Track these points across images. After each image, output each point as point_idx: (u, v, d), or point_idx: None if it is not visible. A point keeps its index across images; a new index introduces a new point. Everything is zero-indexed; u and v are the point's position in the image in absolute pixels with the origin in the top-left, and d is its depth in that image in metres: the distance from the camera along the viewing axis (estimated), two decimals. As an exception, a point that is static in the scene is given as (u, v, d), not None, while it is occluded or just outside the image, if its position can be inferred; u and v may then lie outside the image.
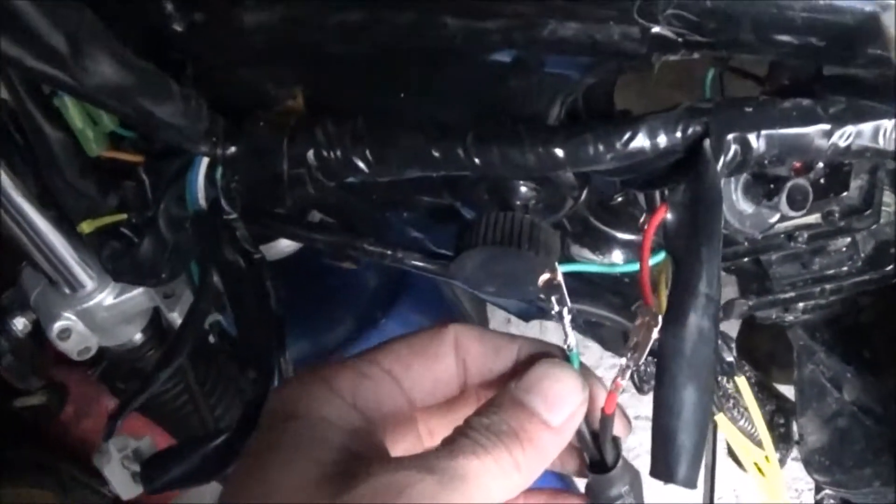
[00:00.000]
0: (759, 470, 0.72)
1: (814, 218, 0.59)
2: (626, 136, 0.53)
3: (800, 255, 0.63)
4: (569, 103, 0.57)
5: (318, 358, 0.77)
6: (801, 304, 0.65)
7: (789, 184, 0.54)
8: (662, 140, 0.53)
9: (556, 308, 0.52)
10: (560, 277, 0.52)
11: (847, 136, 0.52)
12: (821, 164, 0.59)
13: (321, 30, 0.57)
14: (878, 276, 0.63)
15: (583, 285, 0.60)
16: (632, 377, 0.72)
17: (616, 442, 0.55)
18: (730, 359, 0.64)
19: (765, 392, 0.75)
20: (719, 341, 0.64)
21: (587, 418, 0.53)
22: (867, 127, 0.52)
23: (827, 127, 0.52)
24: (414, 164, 0.56)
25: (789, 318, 0.66)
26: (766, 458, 0.66)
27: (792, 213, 0.54)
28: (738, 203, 0.56)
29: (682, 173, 0.53)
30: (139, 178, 0.62)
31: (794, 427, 0.73)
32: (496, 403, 0.48)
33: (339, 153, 0.56)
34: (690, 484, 0.51)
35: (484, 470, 0.44)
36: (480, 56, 0.57)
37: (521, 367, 0.50)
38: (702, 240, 0.51)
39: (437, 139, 0.55)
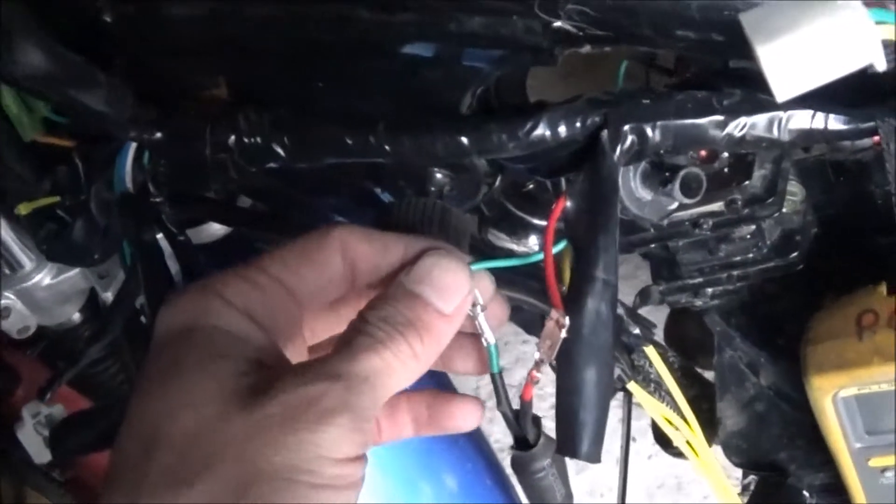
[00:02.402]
0: (692, 448, 0.74)
1: (718, 206, 0.61)
2: (529, 125, 0.55)
3: (706, 242, 0.65)
4: (480, 94, 0.59)
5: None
6: (709, 290, 0.67)
7: (683, 172, 0.56)
8: (563, 130, 0.55)
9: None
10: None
11: (741, 126, 0.54)
12: (725, 155, 0.61)
13: (244, 23, 0.59)
14: (783, 263, 0.65)
15: (502, 271, 0.62)
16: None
17: (536, 421, 0.57)
18: (636, 331, 0.67)
19: (689, 377, 0.77)
20: (625, 316, 0.66)
21: (508, 401, 0.55)
22: (761, 118, 0.54)
23: (721, 118, 0.54)
24: (329, 152, 0.58)
25: (698, 303, 0.68)
26: (691, 427, 0.68)
27: (686, 200, 0.56)
28: (636, 190, 0.58)
29: (582, 162, 0.55)
30: (73, 163, 0.64)
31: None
32: (389, 296, 0.47)
33: (258, 139, 0.59)
34: (593, 458, 0.54)
35: (385, 366, 0.44)
36: (397, 49, 0.59)
37: (410, 263, 0.49)
38: (598, 227, 0.53)
39: (351, 128, 0.57)
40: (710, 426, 0.75)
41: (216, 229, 0.71)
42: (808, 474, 0.73)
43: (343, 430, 0.41)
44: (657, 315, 0.85)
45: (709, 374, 0.79)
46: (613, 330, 0.53)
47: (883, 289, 0.60)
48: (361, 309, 0.47)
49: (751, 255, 0.65)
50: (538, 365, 0.53)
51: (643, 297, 0.70)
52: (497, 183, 0.63)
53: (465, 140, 0.55)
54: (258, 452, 0.40)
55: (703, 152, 0.61)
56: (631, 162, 0.55)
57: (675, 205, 0.59)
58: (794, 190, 0.63)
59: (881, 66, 0.41)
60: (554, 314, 0.52)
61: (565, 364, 0.53)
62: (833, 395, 0.61)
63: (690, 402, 0.76)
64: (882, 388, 0.60)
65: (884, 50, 0.44)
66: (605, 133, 0.54)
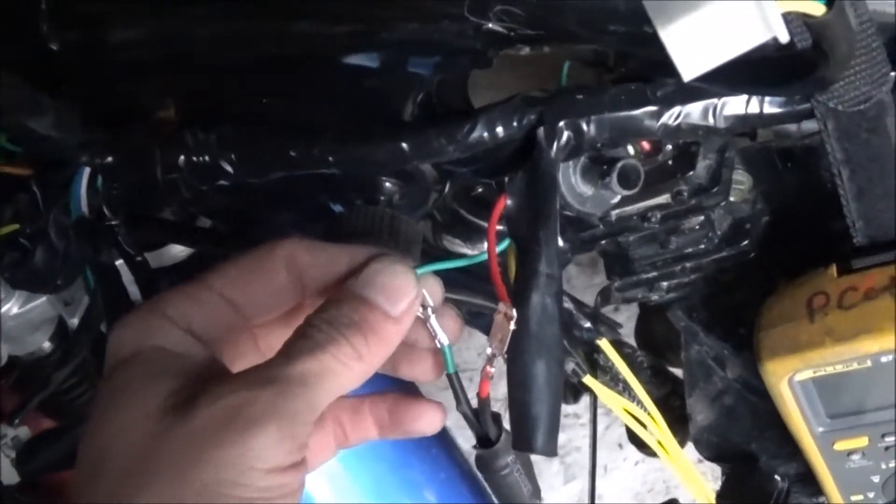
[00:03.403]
0: (663, 447, 0.74)
1: (664, 198, 0.62)
2: (467, 128, 0.56)
3: (656, 236, 0.65)
4: (422, 101, 0.60)
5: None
6: (664, 284, 0.68)
7: (620, 164, 0.57)
8: (500, 130, 0.56)
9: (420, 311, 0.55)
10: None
11: (676, 116, 0.55)
12: (669, 147, 0.62)
13: (187, 43, 0.60)
14: (734, 253, 0.65)
15: (460, 276, 0.63)
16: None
17: (496, 417, 0.58)
18: (587, 325, 0.67)
19: (659, 376, 0.77)
20: (574, 310, 0.67)
21: (467, 400, 0.56)
22: (695, 106, 0.55)
23: (655, 108, 0.55)
24: (275, 165, 0.59)
25: (654, 297, 0.68)
26: (655, 421, 0.68)
27: (625, 192, 0.57)
28: (577, 186, 0.59)
29: (522, 161, 0.56)
30: (31, 190, 0.66)
31: (690, 408, 0.76)
32: (335, 300, 0.48)
33: (206, 157, 0.59)
34: (549, 452, 0.54)
35: (324, 368, 0.44)
36: (341, 60, 0.60)
37: (357, 270, 0.49)
38: (539, 223, 0.54)
39: (295, 140, 0.58)
40: (681, 422, 0.76)
41: (178, 251, 0.72)
42: (780, 464, 0.73)
43: (271, 439, 0.41)
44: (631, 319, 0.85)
45: (680, 372, 0.79)
46: (560, 323, 0.54)
47: (833, 271, 0.60)
48: (309, 314, 0.48)
49: (702, 246, 0.65)
50: (490, 360, 0.53)
51: (604, 296, 0.70)
52: (447, 189, 0.63)
53: (405, 146, 0.56)
54: (188, 469, 0.40)
55: (647, 145, 0.62)
56: (569, 157, 0.56)
57: (616, 198, 0.60)
58: (742, 179, 0.63)
59: (783, 38, 0.42)
60: (501, 307, 0.53)
61: (515, 360, 0.54)
62: (789, 380, 0.61)
63: (662, 400, 0.76)
64: (838, 370, 0.60)
65: (800, 27, 0.45)
66: (541, 130, 0.55)
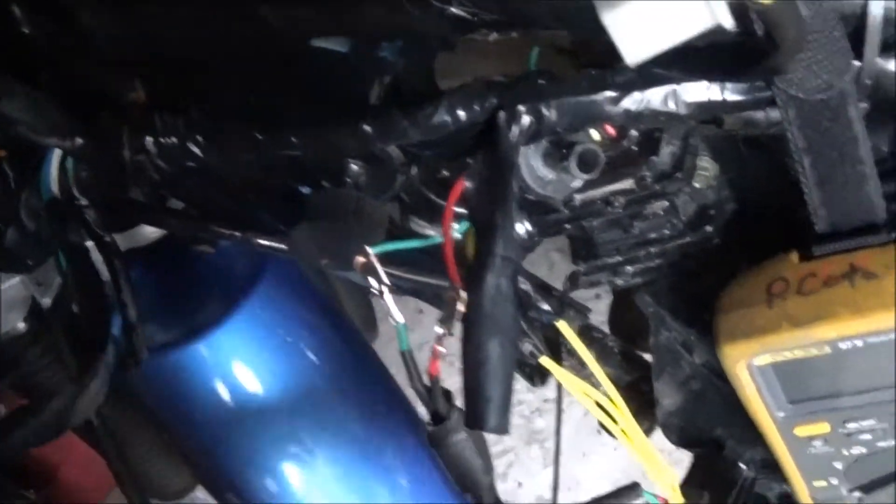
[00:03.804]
0: (625, 434, 0.74)
1: (628, 183, 0.63)
2: (429, 111, 0.56)
3: (620, 220, 0.66)
4: (388, 84, 0.60)
5: (185, 340, 0.81)
6: (629, 268, 0.68)
7: (579, 148, 0.57)
8: (462, 114, 0.56)
9: (376, 287, 0.55)
10: (374, 258, 0.56)
11: (636, 101, 0.55)
12: (635, 133, 0.62)
13: (154, 28, 0.61)
14: (698, 238, 0.66)
15: (422, 257, 0.63)
16: (526, 372, 0.76)
17: (447, 395, 0.58)
18: (546, 307, 0.67)
19: (630, 361, 0.77)
20: (532, 292, 0.67)
21: (420, 378, 0.57)
22: (656, 92, 0.55)
23: (615, 94, 0.55)
24: (242, 148, 0.60)
25: (619, 281, 0.69)
26: (616, 405, 0.69)
27: (584, 176, 0.57)
28: (538, 170, 0.60)
29: (483, 144, 0.56)
30: (3, 172, 0.66)
31: (660, 393, 0.76)
32: None
33: (174, 139, 0.60)
34: (501, 430, 0.55)
35: None
36: (308, 44, 0.60)
37: None
38: (496, 206, 0.54)
39: (261, 123, 0.59)
40: (650, 406, 0.76)
41: (150, 232, 0.73)
42: (746, 450, 0.73)
43: None
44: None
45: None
46: (515, 304, 0.54)
47: (794, 256, 0.61)
48: None
49: (666, 231, 0.66)
50: (440, 339, 0.54)
51: (572, 280, 0.70)
52: (414, 171, 0.64)
53: (368, 129, 0.57)
54: None
55: (612, 131, 0.62)
56: (530, 141, 0.57)
57: (578, 183, 0.60)
58: (706, 165, 0.64)
59: (728, 25, 0.42)
60: (452, 287, 0.54)
61: (469, 339, 0.54)
62: (747, 364, 0.61)
63: (633, 385, 0.77)
64: (798, 356, 0.60)
65: (748, 13, 0.45)
66: (501, 114, 0.55)
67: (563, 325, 0.65)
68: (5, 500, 0.96)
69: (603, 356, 0.76)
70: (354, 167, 0.63)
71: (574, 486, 1.88)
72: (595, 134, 0.62)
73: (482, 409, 0.54)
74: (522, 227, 0.67)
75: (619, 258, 0.67)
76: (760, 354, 0.61)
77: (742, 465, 0.74)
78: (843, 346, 0.60)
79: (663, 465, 0.70)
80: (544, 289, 0.72)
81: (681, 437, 0.76)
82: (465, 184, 0.55)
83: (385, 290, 0.54)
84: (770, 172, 0.64)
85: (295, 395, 0.84)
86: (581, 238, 0.67)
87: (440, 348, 0.54)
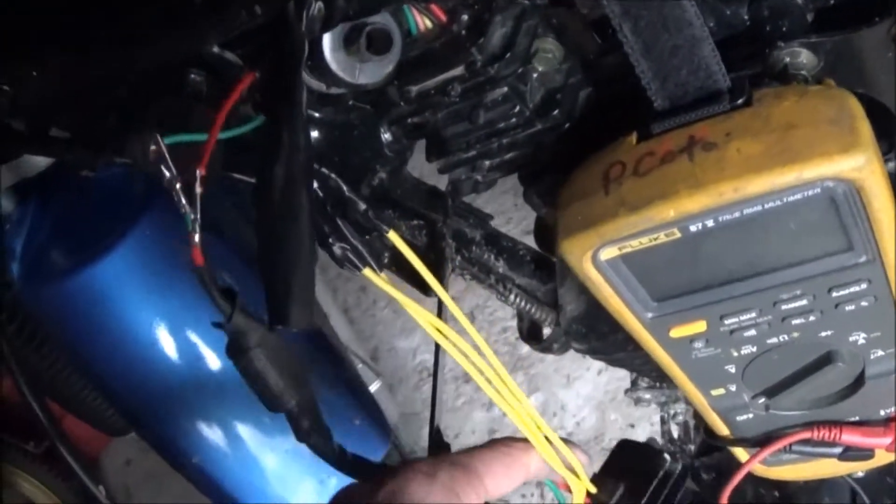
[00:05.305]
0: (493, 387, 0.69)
1: (459, 70, 0.59)
2: (232, 10, 0.55)
3: (462, 112, 0.62)
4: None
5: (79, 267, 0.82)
6: (486, 162, 0.64)
7: (367, 28, 0.54)
8: (258, 9, 0.54)
9: (167, 177, 0.55)
10: (164, 148, 0.55)
11: (429, -21, 0.52)
12: (465, 17, 0.59)
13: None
14: (547, 125, 0.62)
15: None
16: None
17: (229, 293, 0.56)
18: (363, 207, 0.63)
19: (544, 269, 0.73)
20: (350, 194, 0.64)
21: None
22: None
23: (404, -27, 0.52)
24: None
25: (478, 177, 0.65)
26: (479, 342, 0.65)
27: (376, 57, 0.54)
28: (345, 59, 0.57)
29: (277, 36, 0.54)
30: None
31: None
32: None
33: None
34: (302, 324, 0.53)
35: None
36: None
37: None
38: (285, 96, 0.53)
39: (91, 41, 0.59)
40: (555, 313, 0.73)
41: (39, 161, 0.74)
42: (643, 364, 0.68)
43: None
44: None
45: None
46: (308, 195, 0.53)
47: (632, 138, 0.56)
48: None
49: (513, 120, 0.62)
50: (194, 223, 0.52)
51: (454, 187, 0.68)
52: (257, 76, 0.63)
53: (174, 35, 0.56)
54: None
55: (442, 16, 0.59)
56: (325, 29, 0.55)
57: (390, 68, 0.57)
58: (550, 47, 0.60)
59: None
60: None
61: (262, 233, 0.53)
62: (593, 259, 0.56)
63: (549, 293, 0.73)
64: (645, 244, 0.55)
65: None
66: (290, 4, 0.54)
67: (393, 236, 0.62)
68: (6, 452, 1.01)
69: (514, 265, 0.73)
70: (193, 76, 0.62)
71: (559, 410, 1.86)
72: (425, 21, 0.59)
73: (283, 306, 0.53)
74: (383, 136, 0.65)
75: (473, 152, 0.64)
76: (604, 247, 0.56)
77: (666, 457, 0.69)
78: (693, 227, 0.54)
79: (537, 420, 0.66)
80: (433, 194, 0.70)
81: (584, 344, 0.72)
82: (256, 75, 0.54)
83: (176, 183, 0.53)
84: (619, 55, 0.59)
85: (192, 317, 0.84)
86: (431, 135, 0.65)
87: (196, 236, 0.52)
